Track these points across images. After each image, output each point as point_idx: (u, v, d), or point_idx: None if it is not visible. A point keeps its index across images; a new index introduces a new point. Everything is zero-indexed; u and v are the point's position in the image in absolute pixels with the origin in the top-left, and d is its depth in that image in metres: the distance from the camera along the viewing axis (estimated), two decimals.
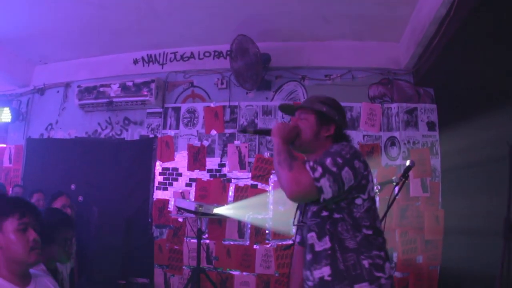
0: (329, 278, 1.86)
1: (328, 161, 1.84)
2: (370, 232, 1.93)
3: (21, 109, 6.09)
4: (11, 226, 1.76)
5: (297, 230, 2.26)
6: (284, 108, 2.36)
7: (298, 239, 2.31)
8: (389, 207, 3.19)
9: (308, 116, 2.12)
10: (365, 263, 1.86)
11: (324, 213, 1.93)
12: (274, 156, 1.96)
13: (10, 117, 5.89)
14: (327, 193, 1.80)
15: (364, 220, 1.93)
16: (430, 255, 4.48)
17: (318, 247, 1.93)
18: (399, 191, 3.30)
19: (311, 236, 1.97)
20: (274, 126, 2.07)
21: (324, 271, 1.88)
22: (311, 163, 1.84)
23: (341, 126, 2.16)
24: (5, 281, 1.70)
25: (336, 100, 2.21)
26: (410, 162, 3.31)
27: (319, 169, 1.81)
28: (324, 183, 1.79)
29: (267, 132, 2.14)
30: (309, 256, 1.97)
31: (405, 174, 3.27)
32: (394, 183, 3.32)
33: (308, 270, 1.97)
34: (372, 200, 2.00)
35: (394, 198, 3.21)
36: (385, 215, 3.17)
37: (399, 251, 4.46)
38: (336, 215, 1.92)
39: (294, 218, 2.22)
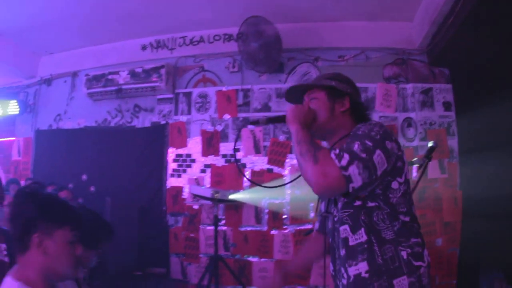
0: (366, 275, 1.70)
1: (356, 146, 1.66)
2: (407, 218, 1.77)
3: (28, 101, 6.02)
4: (66, 236, 1.66)
5: (321, 219, 2.12)
6: (290, 96, 2.10)
7: (317, 226, 2.23)
8: (413, 190, 3.12)
9: (318, 94, 1.95)
10: (404, 254, 1.71)
11: (357, 203, 1.76)
12: (295, 146, 1.75)
13: (18, 109, 5.83)
14: (357, 182, 1.61)
15: (401, 206, 1.76)
16: (449, 237, 4.45)
17: (352, 241, 1.76)
18: (422, 172, 3.21)
19: (344, 229, 1.79)
20: (288, 110, 1.88)
21: (361, 267, 1.72)
22: (337, 151, 1.64)
23: (356, 98, 1.99)
24: None
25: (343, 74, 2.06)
26: (433, 143, 3.22)
27: (346, 156, 1.61)
28: (353, 170, 1.60)
29: (281, 119, 1.94)
30: (342, 252, 1.79)
31: (428, 156, 3.17)
32: (416, 165, 3.24)
33: (342, 267, 1.80)
34: (408, 183, 1.81)
35: (419, 180, 3.14)
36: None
37: None
38: (370, 204, 1.75)
39: (317, 208, 2.08)
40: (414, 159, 3.36)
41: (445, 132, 4.65)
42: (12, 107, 5.84)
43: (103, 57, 5.62)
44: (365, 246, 1.71)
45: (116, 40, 5.55)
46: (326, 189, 1.64)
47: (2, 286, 1.62)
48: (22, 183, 5.46)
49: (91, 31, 5.33)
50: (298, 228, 4.65)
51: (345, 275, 1.77)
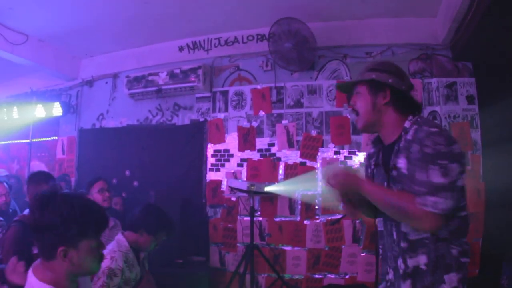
0: (424, 267, 1.81)
1: (434, 175, 1.71)
2: (464, 213, 1.84)
3: (71, 102, 6.32)
4: (89, 244, 1.69)
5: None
6: (342, 88, 2.20)
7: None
8: None
9: (360, 89, 1.99)
10: (454, 251, 1.81)
11: None
12: (377, 202, 1.86)
13: (61, 111, 6.10)
14: (450, 204, 1.71)
15: (461, 200, 1.81)
16: (472, 227, 4.37)
17: (413, 236, 1.85)
18: None
19: (406, 225, 1.87)
20: (342, 186, 1.93)
21: (420, 260, 1.83)
22: (419, 200, 1.72)
23: (398, 88, 1.97)
24: None
25: (390, 61, 2.10)
26: None
27: (429, 200, 1.70)
28: (448, 203, 1.70)
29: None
30: (404, 244, 1.88)
31: None
32: None
33: (401, 258, 1.89)
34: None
35: None
36: None
37: None
38: None
39: None
40: None
41: (469, 125, 4.74)
42: (56, 109, 6.12)
43: (143, 59, 5.88)
44: (426, 241, 1.81)
45: (154, 42, 5.80)
46: (435, 228, 1.76)
47: (28, 285, 1.68)
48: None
49: (130, 34, 5.58)
50: (329, 218, 4.84)
51: (402, 266, 1.87)
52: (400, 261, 1.89)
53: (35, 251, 2.51)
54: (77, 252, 1.65)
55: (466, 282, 1.81)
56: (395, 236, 1.92)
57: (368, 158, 2.19)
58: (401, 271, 1.87)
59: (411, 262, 1.84)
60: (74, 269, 1.67)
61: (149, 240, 3.02)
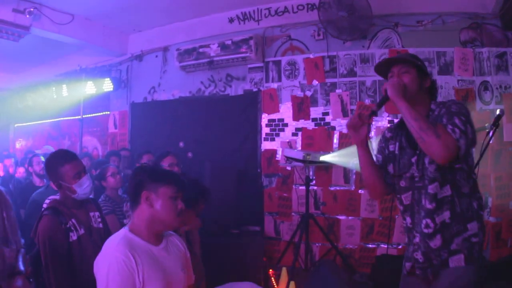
0: (449, 221, 2.12)
1: (459, 121, 2.04)
2: (475, 176, 2.22)
3: (121, 77, 6.46)
4: (167, 193, 2.05)
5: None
6: (379, 67, 2.43)
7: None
8: (482, 154, 3.23)
9: (409, 69, 2.26)
10: (475, 204, 2.16)
11: (446, 165, 2.11)
12: (411, 122, 2.08)
13: (112, 86, 6.24)
14: (463, 150, 2.02)
15: (473, 167, 2.23)
16: None
17: (440, 195, 2.14)
18: (490, 139, 3.34)
19: (435, 186, 2.14)
20: (389, 88, 2.18)
21: (445, 215, 2.13)
22: (450, 126, 2.03)
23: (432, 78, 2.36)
24: (142, 240, 2.02)
25: None
26: (500, 111, 3.34)
27: (457, 131, 2.01)
28: (461, 142, 2.01)
29: (386, 99, 2.24)
30: (431, 205, 2.14)
31: (496, 123, 3.29)
32: (487, 130, 3.33)
33: (428, 218, 2.15)
34: None
35: (487, 146, 3.24)
36: (478, 161, 3.18)
37: (494, 196, 4.49)
38: (457, 165, 2.13)
39: (397, 167, 2.31)
40: (486, 125, 3.46)
41: None
42: (106, 85, 6.27)
43: (192, 32, 5.93)
44: (449, 198, 2.14)
45: (203, 15, 5.83)
46: (449, 158, 2.03)
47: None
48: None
49: (178, 7, 5.62)
50: None
51: (431, 224, 2.15)
52: (428, 221, 2.15)
53: (74, 237, 2.56)
54: (156, 196, 2.04)
55: (484, 230, 2.17)
56: (423, 201, 2.18)
57: (385, 141, 2.45)
58: (430, 230, 2.15)
59: (438, 219, 2.13)
60: (154, 214, 2.03)
61: (189, 214, 2.94)
